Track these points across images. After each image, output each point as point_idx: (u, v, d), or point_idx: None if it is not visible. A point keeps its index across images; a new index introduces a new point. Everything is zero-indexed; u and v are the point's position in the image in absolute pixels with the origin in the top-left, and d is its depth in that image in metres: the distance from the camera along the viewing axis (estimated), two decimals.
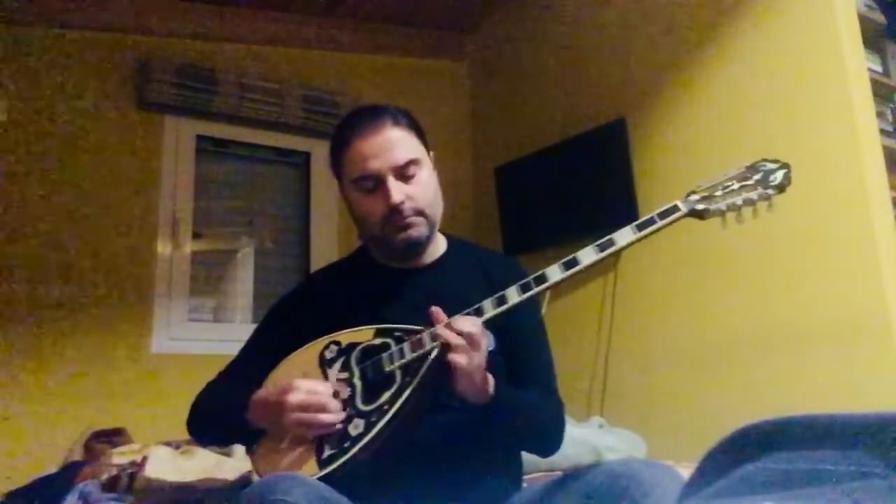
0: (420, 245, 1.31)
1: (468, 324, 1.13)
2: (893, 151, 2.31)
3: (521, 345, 1.32)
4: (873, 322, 1.97)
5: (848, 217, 2.07)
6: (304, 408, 1.17)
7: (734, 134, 2.36)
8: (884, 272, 1.98)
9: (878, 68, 2.48)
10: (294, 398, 1.17)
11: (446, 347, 1.12)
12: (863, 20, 2.25)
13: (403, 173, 1.27)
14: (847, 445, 0.47)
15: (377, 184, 1.26)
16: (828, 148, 2.12)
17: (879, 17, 2.46)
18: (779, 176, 1.11)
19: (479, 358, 1.12)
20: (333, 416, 1.17)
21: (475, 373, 1.12)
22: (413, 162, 1.28)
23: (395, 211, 1.25)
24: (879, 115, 2.30)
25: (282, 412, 1.17)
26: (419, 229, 1.28)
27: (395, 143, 1.27)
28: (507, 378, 1.28)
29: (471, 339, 1.11)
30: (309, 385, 1.19)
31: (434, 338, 1.16)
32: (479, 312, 1.17)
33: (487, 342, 1.14)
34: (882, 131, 2.22)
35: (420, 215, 1.28)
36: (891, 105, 2.49)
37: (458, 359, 1.11)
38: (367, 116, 1.30)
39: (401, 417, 1.15)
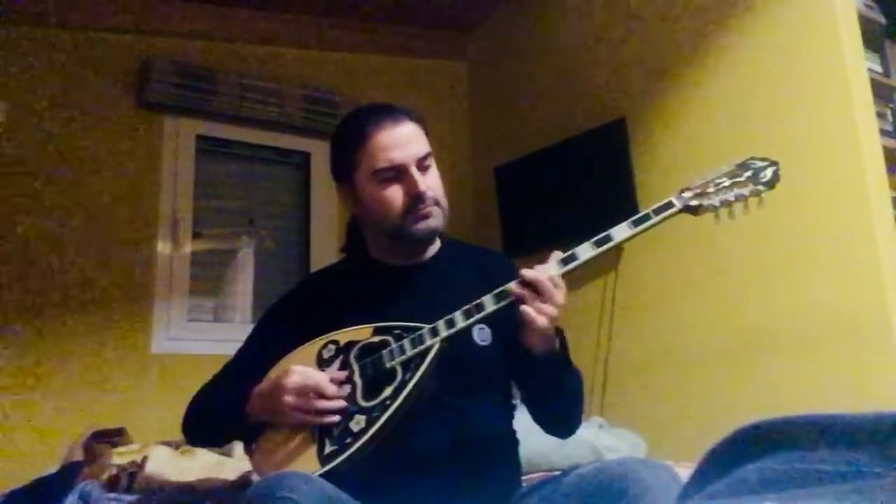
0: (435, 235, 1.35)
1: (536, 273, 1.16)
2: (893, 151, 2.31)
3: None
4: (873, 322, 1.97)
5: (848, 217, 2.07)
6: (301, 391, 1.18)
7: (734, 134, 2.36)
8: (884, 272, 1.98)
9: (878, 68, 2.49)
10: (291, 381, 1.19)
11: (518, 298, 1.15)
12: (863, 20, 2.25)
13: (421, 165, 1.31)
14: (847, 445, 0.47)
15: (397, 175, 1.29)
16: (828, 148, 2.12)
17: (879, 17, 2.46)
18: (768, 173, 1.15)
19: (550, 308, 1.15)
20: (332, 402, 1.18)
21: (541, 322, 1.14)
22: (429, 155, 1.33)
23: (419, 199, 1.28)
24: (879, 115, 2.30)
25: (279, 396, 1.18)
26: (437, 219, 1.32)
27: (414, 136, 1.32)
28: (522, 374, 1.31)
29: (539, 287, 1.14)
30: (305, 369, 1.21)
31: (434, 333, 1.18)
32: (479, 308, 1.18)
33: (561, 296, 1.16)
34: (882, 131, 2.22)
35: (437, 205, 1.32)
36: (891, 105, 2.49)
37: (525, 308, 1.14)
38: (385, 111, 1.34)
39: (402, 412, 1.16)
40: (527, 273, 1.16)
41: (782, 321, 2.18)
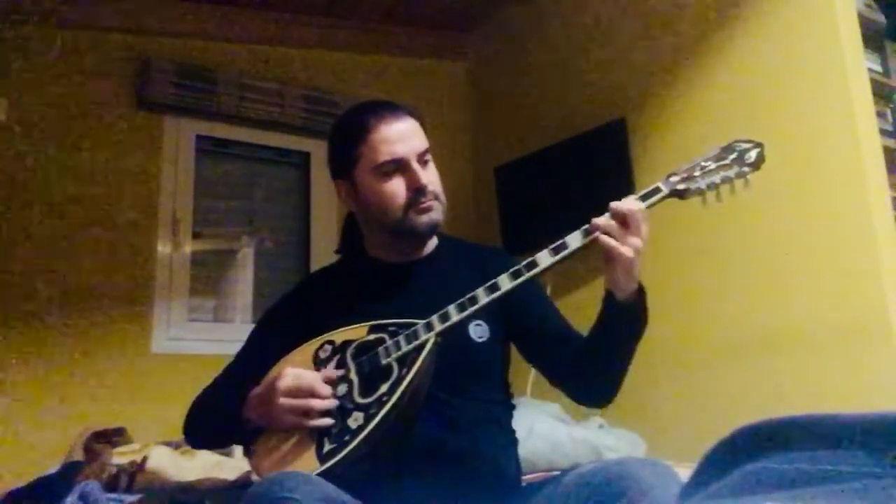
0: (436, 229, 1.35)
1: (626, 204, 1.14)
2: (893, 151, 2.31)
3: (540, 313, 1.37)
4: (873, 322, 1.97)
5: (848, 217, 2.07)
6: (294, 392, 1.18)
7: (734, 134, 2.33)
8: (884, 272, 1.98)
9: (878, 68, 2.49)
10: (283, 383, 1.18)
11: (603, 232, 1.14)
12: (863, 20, 2.25)
13: (421, 159, 1.32)
14: (847, 445, 0.46)
15: (398, 169, 1.29)
16: (828, 148, 2.12)
17: (879, 17, 2.46)
18: (753, 155, 1.16)
19: (636, 240, 1.14)
20: (324, 402, 1.18)
21: (627, 253, 1.14)
22: (428, 150, 1.33)
23: (420, 193, 1.29)
24: (879, 115, 2.31)
25: (273, 399, 1.18)
26: (438, 213, 1.32)
27: (415, 131, 1.33)
28: (542, 347, 1.33)
29: (628, 219, 1.13)
30: (297, 371, 1.21)
31: (429, 327, 1.17)
32: (472, 301, 1.18)
33: (646, 229, 1.15)
34: (882, 131, 2.23)
35: (437, 199, 1.32)
36: (891, 105, 2.49)
37: (609, 241, 1.13)
38: (384, 106, 1.35)
39: (400, 408, 1.15)
40: (617, 205, 1.15)
41: (782, 321, 2.18)
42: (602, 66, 2.90)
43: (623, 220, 1.14)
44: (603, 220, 1.15)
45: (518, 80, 3.35)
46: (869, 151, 2.07)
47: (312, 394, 1.18)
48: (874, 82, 2.23)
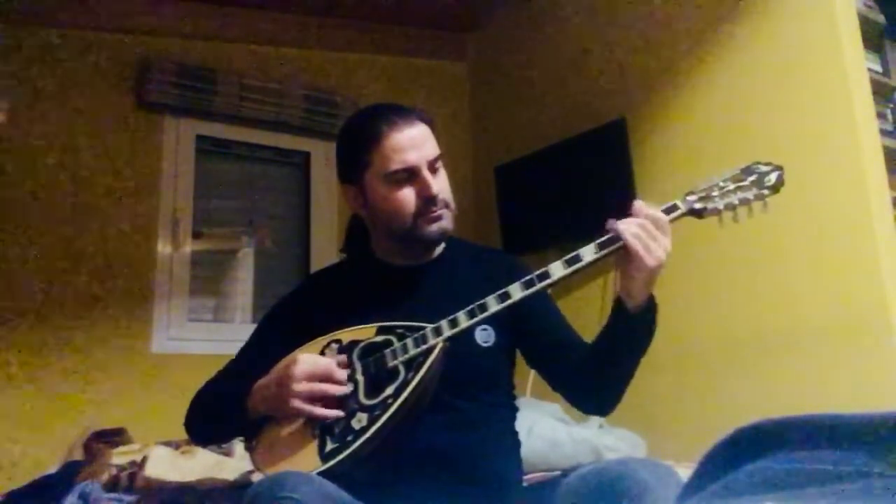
0: (445, 237, 1.34)
1: (649, 210, 1.14)
2: (893, 151, 2.31)
3: (546, 320, 1.37)
4: (873, 322, 1.97)
5: (848, 217, 2.07)
6: (310, 377, 1.17)
7: (734, 134, 2.36)
8: (884, 272, 1.98)
9: (878, 68, 2.49)
10: (300, 368, 1.17)
11: (630, 235, 1.12)
12: (863, 20, 2.25)
13: (433, 167, 1.30)
14: (847, 445, 0.46)
15: (410, 176, 1.28)
16: (828, 148, 2.12)
17: (879, 17, 2.46)
18: (772, 178, 1.16)
19: (659, 249, 1.12)
20: (341, 387, 1.17)
21: (650, 265, 1.12)
22: (440, 156, 1.32)
23: (430, 202, 1.28)
24: (879, 115, 2.30)
25: (288, 384, 1.17)
26: (447, 221, 1.32)
27: (427, 137, 1.31)
28: (547, 354, 1.33)
29: (654, 225, 1.12)
30: (313, 357, 1.20)
31: (437, 332, 1.17)
32: (482, 309, 1.18)
33: (669, 241, 1.14)
34: (882, 131, 2.22)
35: (447, 208, 1.32)
36: (891, 105, 2.49)
37: (636, 245, 1.11)
38: (396, 111, 1.32)
39: (404, 411, 1.15)
40: (644, 209, 1.14)
41: (782, 321, 2.18)
42: (602, 66, 2.90)
43: (650, 226, 1.13)
44: (628, 223, 1.14)
45: (518, 80, 3.35)
46: (869, 151, 2.07)
47: (328, 378, 1.18)
48: (874, 82, 2.22)
